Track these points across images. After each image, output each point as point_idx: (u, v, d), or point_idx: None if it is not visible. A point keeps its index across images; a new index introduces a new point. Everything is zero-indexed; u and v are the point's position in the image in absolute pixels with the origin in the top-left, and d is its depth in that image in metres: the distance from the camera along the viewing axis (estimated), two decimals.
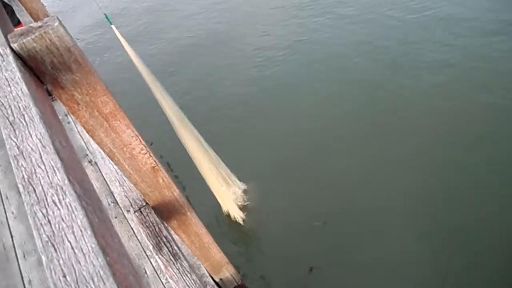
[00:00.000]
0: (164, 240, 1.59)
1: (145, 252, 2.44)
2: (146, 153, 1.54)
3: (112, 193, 2.91)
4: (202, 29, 7.73)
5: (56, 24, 1.12)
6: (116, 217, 2.82)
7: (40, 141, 0.79)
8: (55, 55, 1.16)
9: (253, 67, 6.31)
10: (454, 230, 3.65)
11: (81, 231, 0.62)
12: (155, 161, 1.57)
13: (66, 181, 0.70)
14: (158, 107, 3.61)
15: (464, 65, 5.18)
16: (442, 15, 6.18)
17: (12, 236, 2.77)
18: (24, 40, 1.10)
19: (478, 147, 4.21)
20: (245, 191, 4.29)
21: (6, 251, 2.70)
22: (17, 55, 1.11)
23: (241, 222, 4.01)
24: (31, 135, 0.81)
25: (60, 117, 3.71)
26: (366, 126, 4.79)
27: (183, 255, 1.56)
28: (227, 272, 2.31)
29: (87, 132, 1.37)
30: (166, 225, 1.81)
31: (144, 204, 1.73)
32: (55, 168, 0.73)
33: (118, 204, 2.85)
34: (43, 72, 1.18)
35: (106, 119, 1.37)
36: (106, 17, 3.26)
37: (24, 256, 2.60)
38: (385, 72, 5.43)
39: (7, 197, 3.03)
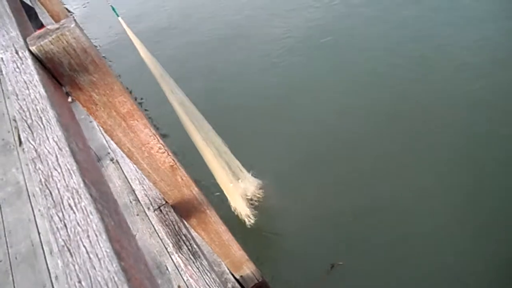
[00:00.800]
0: (184, 238, 1.59)
1: (166, 249, 2.47)
2: (164, 152, 1.53)
3: (133, 190, 2.95)
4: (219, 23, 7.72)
5: (73, 25, 1.12)
6: (137, 215, 2.86)
7: (57, 144, 0.79)
8: (72, 57, 1.16)
9: (272, 60, 6.25)
10: (479, 236, 3.52)
11: (96, 235, 0.62)
12: (173, 160, 1.57)
13: (82, 184, 0.70)
14: (162, 94, 3.44)
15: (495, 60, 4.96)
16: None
17: (39, 233, 2.86)
18: (41, 43, 1.11)
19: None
20: (259, 187, 4.23)
21: (34, 247, 2.79)
22: (35, 57, 1.13)
23: (247, 222, 3.93)
24: (48, 138, 0.82)
25: (82, 116, 3.79)
26: (386, 123, 4.68)
27: (202, 254, 1.56)
28: (248, 269, 2.30)
29: (106, 132, 1.38)
30: (185, 223, 1.81)
31: (164, 202, 1.74)
32: (71, 171, 0.73)
33: (139, 202, 2.89)
34: (61, 74, 1.19)
35: (124, 119, 1.37)
36: (113, 9, 3.21)
37: (51, 253, 2.69)
38: (413, 67, 5.25)
39: (33, 195, 3.13)
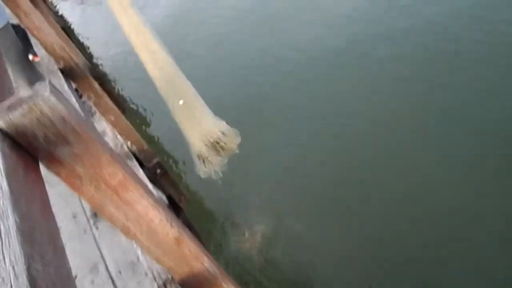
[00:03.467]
0: None
1: None
2: (167, 224, 1.31)
3: None
4: None
5: (47, 93, 0.93)
6: None
7: (13, 269, 0.57)
8: (47, 128, 0.96)
9: None
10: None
11: None
12: (178, 232, 1.35)
13: None
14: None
15: None
16: None
17: None
18: (11, 116, 0.91)
19: None
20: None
21: None
22: (3, 132, 0.93)
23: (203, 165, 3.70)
24: (4, 258, 0.60)
25: None
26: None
27: None
28: None
29: (94, 208, 1.16)
30: None
31: (169, 278, 1.49)
32: None
33: None
34: (37, 148, 0.98)
35: (116, 191, 1.16)
36: None
37: None
38: None
39: None
